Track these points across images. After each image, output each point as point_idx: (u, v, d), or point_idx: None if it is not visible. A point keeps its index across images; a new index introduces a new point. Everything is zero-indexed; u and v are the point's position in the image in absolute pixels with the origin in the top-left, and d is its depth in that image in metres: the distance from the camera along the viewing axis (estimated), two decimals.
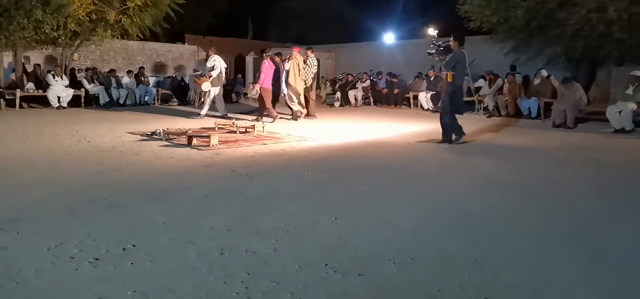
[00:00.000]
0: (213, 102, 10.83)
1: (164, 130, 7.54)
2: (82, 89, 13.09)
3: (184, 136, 7.06)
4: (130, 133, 8.03)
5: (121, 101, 13.67)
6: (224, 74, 11.05)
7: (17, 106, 11.88)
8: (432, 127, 9.93)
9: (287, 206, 3.88)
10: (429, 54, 7.53)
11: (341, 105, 15.30)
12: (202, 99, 11.28)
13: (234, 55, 21.17)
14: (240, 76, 19.32)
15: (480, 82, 13.57)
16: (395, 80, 15.31)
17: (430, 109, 13.39)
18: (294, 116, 10.77)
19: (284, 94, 10.87)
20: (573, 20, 10.41)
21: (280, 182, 4.73)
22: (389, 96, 15.04)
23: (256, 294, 2.30)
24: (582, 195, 4.52)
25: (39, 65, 14.00)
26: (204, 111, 10.75)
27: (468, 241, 3.12)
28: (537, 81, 11.64)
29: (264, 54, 10.90)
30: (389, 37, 23.35)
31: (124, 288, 2.33)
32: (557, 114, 9.87)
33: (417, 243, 3.06)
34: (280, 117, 10.57)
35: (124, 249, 2.83)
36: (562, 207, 4.02)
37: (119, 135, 7.87)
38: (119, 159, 5.78)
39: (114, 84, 13.80)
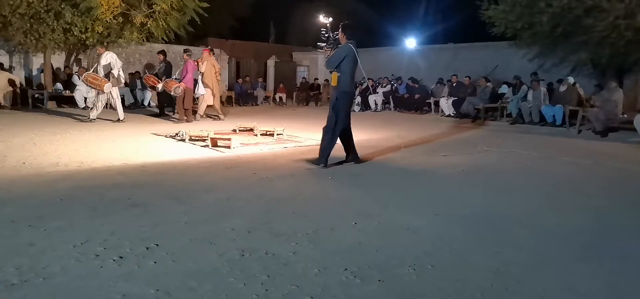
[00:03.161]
0: (95, 102, 9.93)
1: (187, 132, 7.65)
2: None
3: (206, 138, 7.15)
4: (155, 134, 8.18)
5: (146, 103, 13.92)
6: (122, 74, 10.19)
7: (45, 105, 12.22)
8: (450, 133, 9.85)
9: (306, 209, 3.89)
10: (319, 48, 6.12)
11: (361, 110, 15.28)
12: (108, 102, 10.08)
13: (255, 58, 21.35)
14: (261, 79, 19.47)
15: (504, 88, 13.40)
16: (416, 85, 15.23)
17: (452, 114, 13.28)
18: (187, 119, 10.67)
19: (199, 95, 10.95)
20: (600, 27, 10.18)
21: (299, 185, 4.75)
22: (410, 101, 14.95)
23: (275, 296, 2.31)
24: (607, 204, 4.41)
25: (67, 66, 14.40)
26: (121, 114, 10.02)
27: (489, 248, 3.07)
28: (563, 88, 11.43)
29: (185, 54, 10.85)
30: (410, 42, 23.21)
31: (147, 286, 2.37)
32: (595, 120, 9.69)
33: (437, 248, 3.04)
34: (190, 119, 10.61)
35: (147, 248, 2.88)
36: (586, 216, 3.94)
37: (144, 136, 8.02)
38: (143, 159, 5.89)
39: (139, 86, 14.07)
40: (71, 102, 12.80)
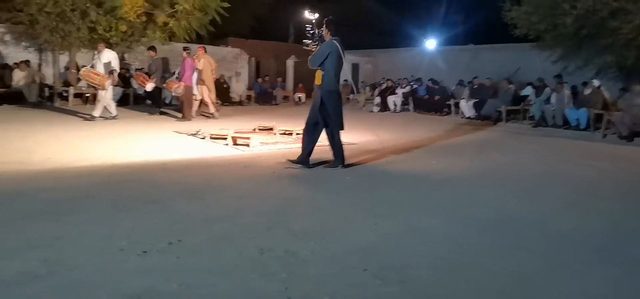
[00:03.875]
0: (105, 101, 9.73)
1: (207, 130, 7.76)
2: (131, 89, 13.63)
3: (227, 136, 7.24)
4: (176, 132, 8.30)
5: (167, 101, 14.09)
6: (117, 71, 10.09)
7: (70, 103, 12.49)
8: (471, 136, 9.76)
9: (324, 208, 3.91)
10: (305, 46, 5.85)
11: (381, 111, 15.22)
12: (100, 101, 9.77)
13: (274, 58, 21.47)
14: (280, 79, 19.57)
15: (528, 90, 13.20)
16: (436, 86, 15.10)
17: (472, 117, 13.12)
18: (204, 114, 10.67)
19: (195, 93, 10.88)
20: (625, 29, 9.93)
21: (318, 185, 4.77)
22: (430, 102, 14.83)
23: (295, 295, 2.33)
24: (622, 208, 4.32)
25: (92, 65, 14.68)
26: (97, 113, 9.63)
27: (504, 252, 3.05)
28: (587, 91, 11.20)
29: (185, 52, 10.76)
30: (430, 43, 23.03)
31: (170, 281, 2.42)
32: (621, 124, 9.49)
33: (453, 251, 3.02)
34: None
35: (169, 243, 2.92)
36: (601, 220, 3.87)
37: (165, 133, 8.15)
38: (164, 157, 5.99)
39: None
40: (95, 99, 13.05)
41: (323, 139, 5.58)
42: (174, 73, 11.87)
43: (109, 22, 12.28)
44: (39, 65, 13.92)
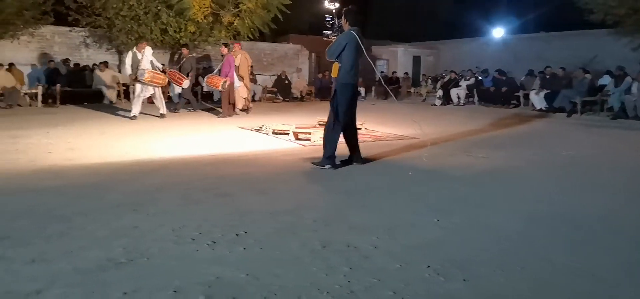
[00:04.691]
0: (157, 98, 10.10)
1: (269, 126, 7.96)
2: (199, 86, 14.23)
3: (288, 132, 7.39)
4: (241, 128, 8.60)
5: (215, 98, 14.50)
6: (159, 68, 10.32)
7: (146, 100, 13.26)
8: (541, 126, 9.28)
9: (386, 203, 3.89)
10: (325, 38, 5.53)
11: (443, 104, 14.83)
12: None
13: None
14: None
15: (606, 79, 12.32)
16: (504, 77, 14.46)
17: (544, 109, 12.44)
18: (229, 113, 10.50)
19: (236, 88, 10.74)
20: None
21: (379, 180, 4.75)
22: (496, 94, 14.23)
23: (358, 289, 2.35)
24: None
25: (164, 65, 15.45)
26: (163, 109, 10.13)
27: (576, 250, 2.90)
28: None
29: (226, 49, 10.70)
30: (498, 32, 22.06)
31: (238, 270, 2.53)
32: None
33: (521, 249, 2.91)
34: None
35: (236, 235, 3.05)
36: None
37: (231, 129, 8.46)
38: (230, 152, 6.22)
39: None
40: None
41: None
42: (213, 69, 12.06)
43: (179, 24, 12.90)
44: (118, 66, 14.90)
